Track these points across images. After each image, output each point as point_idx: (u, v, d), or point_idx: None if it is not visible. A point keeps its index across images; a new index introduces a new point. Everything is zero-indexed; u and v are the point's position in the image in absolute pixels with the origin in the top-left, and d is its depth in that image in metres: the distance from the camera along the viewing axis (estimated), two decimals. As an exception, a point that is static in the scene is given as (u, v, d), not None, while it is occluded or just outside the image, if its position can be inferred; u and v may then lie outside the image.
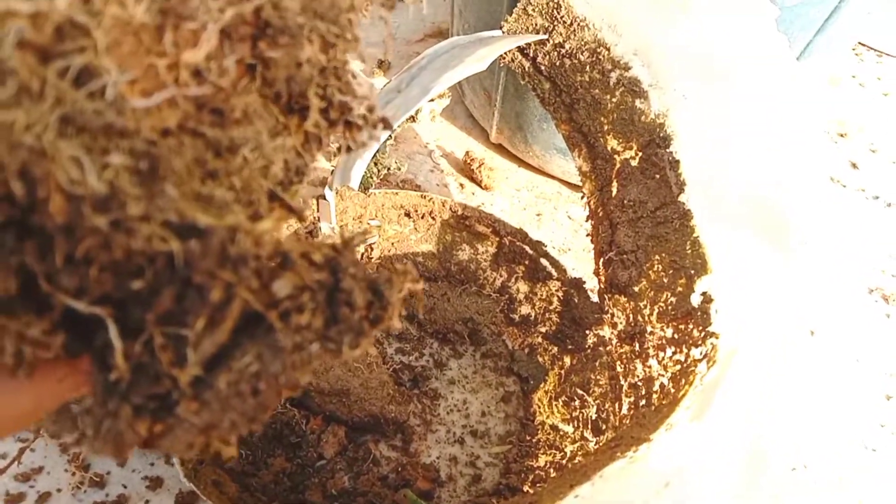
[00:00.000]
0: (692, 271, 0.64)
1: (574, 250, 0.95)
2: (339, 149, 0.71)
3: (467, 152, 1.03)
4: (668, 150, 0.69)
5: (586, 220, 0.76)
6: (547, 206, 1.01)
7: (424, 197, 0.82)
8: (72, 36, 0.15)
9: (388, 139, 0.69)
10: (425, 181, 1.01)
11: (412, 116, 0.67)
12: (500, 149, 1.07)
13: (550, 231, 0.97)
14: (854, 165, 1.19)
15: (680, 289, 0.65)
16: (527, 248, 0.81)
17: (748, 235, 0.61)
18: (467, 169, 1.02)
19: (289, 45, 0.20)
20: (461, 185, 1.02)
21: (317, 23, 0.21)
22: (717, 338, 0.59)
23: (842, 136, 1.26)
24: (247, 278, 0.17)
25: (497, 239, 0.83)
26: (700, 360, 0.60)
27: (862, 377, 0.86)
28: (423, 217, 0.83)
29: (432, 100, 0.69)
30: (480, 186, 1.01)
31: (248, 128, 0.20)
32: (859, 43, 1.51)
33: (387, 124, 0.24)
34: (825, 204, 0.59)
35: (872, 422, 0.83)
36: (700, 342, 0.61)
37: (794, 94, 0.61)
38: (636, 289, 0.69)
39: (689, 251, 0.65)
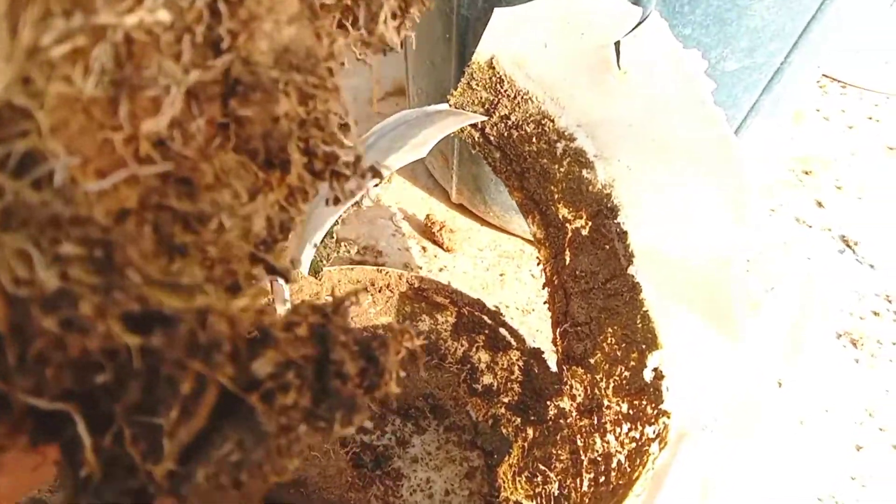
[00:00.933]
0: (643, 346, 0.63)
1: (538, 310, 0.94)
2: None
3: (428, 215, 1.02)
4: (615, 221, 0.69)
5: (542, 288, 0.76)
6: (510, 265, 1.00)
7: (381, 271, 0.82)
8: (11, 120, 0.14)
9: (334, 224, 0.69)
10: (387, 245, 1.01)
11: (357, 203, 0.67)
12: (461, 208, 1.07)
13: (514, 291, 0.97)
14: (819, 204, 1.20)
15: (633, 363, 0.64)
16: (485, 318, 0.81)
17: (694, 311, 0.60)
18: (428, 232, 1.02)
19: (262, 101, 0.19)
20: (423, 248, 1.02)
21: (293, 75, 0.19)
22: (668, 417, 0.59)
23: (807, 173, 1.27)
24: (220, 365, 0.16)
25: (456, 309, 0.82)
26: (653, 440, 0.59)
27: (831, 429, 0.85)
28: (380, 290, 0.83)
29: (377, 184, 0.69)
30: (443, 248, 1.01)
31: (222, 192, 0.19)
32: (823, 75, 1.53)
33: (375, 173, 0.22)
34: (772, 278, 0.59)
35: (842, 474, 0.82)
36: (653, 420, 0.60)
37: (732, 168, 0.61)
38: (592, 361, 0.69)
39: (640, 325, 0.64)
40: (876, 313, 1.00)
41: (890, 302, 1.01)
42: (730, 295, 0.58)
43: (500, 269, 1.00)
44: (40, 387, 0.15)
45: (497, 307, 0.93)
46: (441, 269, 0.99)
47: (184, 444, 0.16)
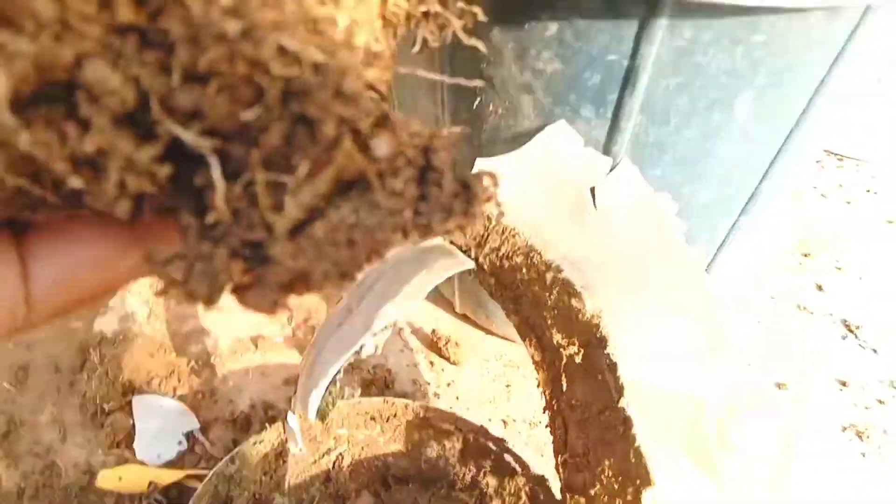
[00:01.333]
0: (637, 482, 0.65)
1: (544, 423, 0.96)
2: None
3: (433, 331, 1.06)
4: (605, 352, 0.71)
5: (543, 412, 0.78)
6: (516, 374, 1.03)
7: (387, 402, 0.85)
8: None
9: (337, 373, 0.73)
10: (396, 362, 1.04)
11: (357, 352, 0.71)
12: (466, 317, 1.11)
13: (520, 403, 0.99)
14: (819, 288, 1.21)
15: (629, 498, 0.66)
16: (490, 445, 0.83)
17: (678, 448, 0.63)
18: (435, 346, 1.05)
19: None
20: (431, 362, 1.05)
21: None
22: (664, 559, 0.60)
23: (806, 256, 1.28)
24: (358, 117, 0.17)
25: (461, 435, 0.85)
26: (653, 581, 0.61)
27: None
28: (388, 420, 0.86)
29: (375, 333, 0.72)
30: (449, 362, 1.04)
31: None
32: (818, 147, 1.55)
33: (464, 14, 0.23)
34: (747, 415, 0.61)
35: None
36: (652, 560, 0.62)
37: (705, 307, 0.64)
38: (592, 493, 0.70)
39: (633, 460, 0.66)
40: (881, 401, 1.00)
41: (895, 388, 1.02)
42: (708, 436, 0.60)
43: (505, 379, 1.03)
44: (193, 114, 0.16)
45: (504, 422, 0.96)
46: (448, 384, 1.02)
47: (306, 205, 0.17)
